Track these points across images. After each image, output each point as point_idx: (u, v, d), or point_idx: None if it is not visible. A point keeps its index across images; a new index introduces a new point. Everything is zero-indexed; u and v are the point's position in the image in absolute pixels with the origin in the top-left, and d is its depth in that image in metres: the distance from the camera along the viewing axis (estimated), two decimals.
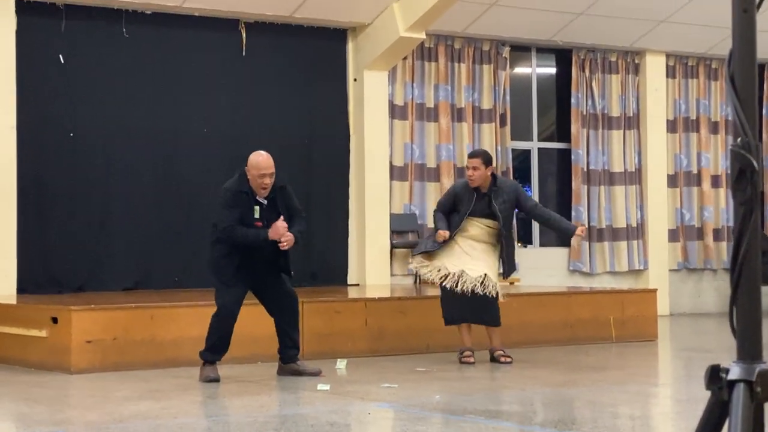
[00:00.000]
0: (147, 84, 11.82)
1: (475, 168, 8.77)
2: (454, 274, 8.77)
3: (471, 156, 9.07)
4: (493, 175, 8.94)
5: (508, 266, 8.97)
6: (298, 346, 8.11)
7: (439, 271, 8.87)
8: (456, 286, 8.71)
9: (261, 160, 7.66)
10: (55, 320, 8.65)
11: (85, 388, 7.65)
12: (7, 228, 10.81)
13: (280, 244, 7.63)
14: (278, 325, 8.05)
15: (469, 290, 8.69)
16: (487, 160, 8.88)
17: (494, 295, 8.77)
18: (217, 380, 7.78)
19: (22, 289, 10.82)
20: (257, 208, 7.71)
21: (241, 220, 7.68)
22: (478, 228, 8.90)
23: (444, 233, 8.79)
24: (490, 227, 8.89)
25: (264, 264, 7.82)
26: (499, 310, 8.90)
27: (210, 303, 9.17)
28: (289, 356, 8.08)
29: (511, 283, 11.13)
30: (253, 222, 7.69)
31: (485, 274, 8.75)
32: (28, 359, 8.84)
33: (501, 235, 8.89)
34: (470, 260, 8.77)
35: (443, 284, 8.79)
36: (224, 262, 7.79)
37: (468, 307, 8.81)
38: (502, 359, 8.93)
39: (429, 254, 8.97)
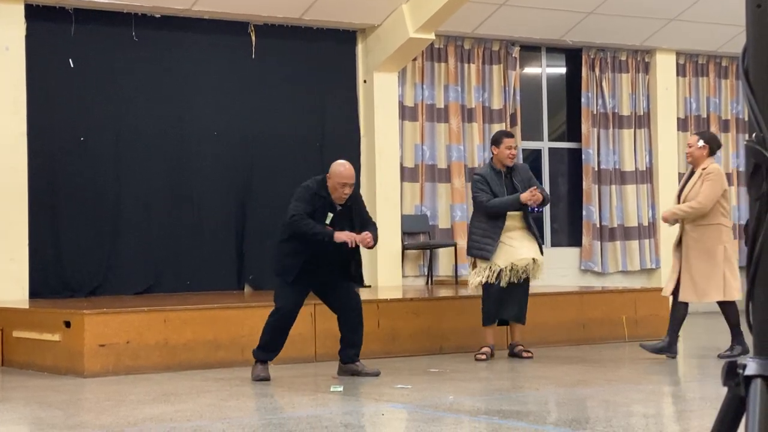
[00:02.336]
0: (157, 88, 11.84)
1: (516, 147, 9.17)
2: (506, 268, 8.94)
3: (510, 136, 9.35)
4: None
5: (541, 242, 9.24)
6: (359, 347, 8.14)
7: (490, 269, 8.94)
8: (507, 280, 8.90)
9: (344, 171, 7.82)
10: (68, 324, 8.67)
11: (98, 392, 7.66)
12: (19, 233, 10.84)
13: (365, 244, 7.82)
14: (341, 325, 8.10)
15: (520, 280, 8.93)
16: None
17: (524, 287, 8.98)
18: (267, 379, 7.85)
19: (34, 293, 10.85)
20: (331, 215, 7.81)
21: (312, 218, 7.76)
22: (510, 218, 9.07)
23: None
24: (516, 211, 9.07)
25: (330, 267, 7.89)
26: (526, 307, 9.11)
27: (223, 306, 9.21)
28: (348, 356, 8.13)
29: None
30: (324, 226, 7.78)
31: (533, 259, 8.98)
32: (42, 363, 8.86)
33: (527, 215, 9.08)
34: (514, 251, 8.90)
35: (491, 282, 8.90)
36: (290, 261, 7.83)
37: (503, 303, 8.94)
38: (525, 354, 9.16)
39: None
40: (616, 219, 14.48)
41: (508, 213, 9.05)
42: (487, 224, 9.09)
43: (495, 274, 8.96)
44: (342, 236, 7.70)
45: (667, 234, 14.68)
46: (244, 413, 6.74)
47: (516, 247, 8.99)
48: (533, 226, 9.20)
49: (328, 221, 7.81)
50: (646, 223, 14.68)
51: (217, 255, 11.94)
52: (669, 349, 8.99)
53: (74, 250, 11.26)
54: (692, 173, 9.01)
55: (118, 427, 5.95)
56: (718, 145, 9.08)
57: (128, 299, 10.53)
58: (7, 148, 10.80)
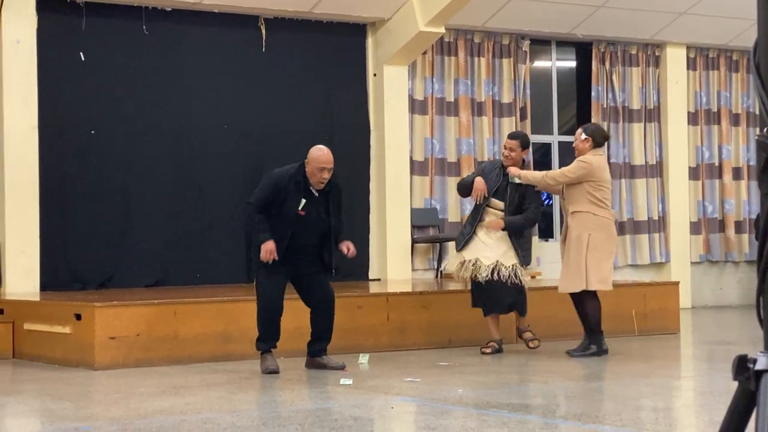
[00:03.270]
0: (167, 81, 11.85)
1: (512, 149, 9.07)
2: (470, 261, 8.98)
3: (510, 137, 9.37)
4: (523, 161, 9.23)
5: (522, 254, 9.11)
6: (327, 341, 8.16)
7: (459, 264, 9.06)
8: (473, 275, 8.96)
9: (321, 155, 7.86)
10: (78, 317, 8.70)
11: (108, 384, 7.69)
12: (30, 226, 10.86)
13: (345, 253, 8.00)
14: (312, 318, 8.13)
15: (483, 278, 8.91)
16: (524, 143, 9.20)
17: (517, 283, 8.95)
18: (276, 371, 7.88)
19: (45, 286, 10.88)
20: (304, 200, 7.82)
21: (281, 206, 7.81)
22: (491, 215, 9.13)
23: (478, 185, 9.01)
24: (500, 211, 9.12)
25: (306, 257, 7.96)
26: (526, 299, 9.15)
27: (232, 299, 9.22)
28: (315, 350, 8.15)
29: (533, 277, 11.11)
30: (296, 211, 7.82)
31: (497, 261, 8.98)
32: (52, 355, 8.89)
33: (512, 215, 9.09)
34: (485, 248, 8.97)
35: (462, 274, 9.01)
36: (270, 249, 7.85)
37: (495, 298, 8.99)
38: (531, 344, 9.17)
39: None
40: (625, 213, 14.46)
41: (489, 209, 9.09)
42: (471, 216, 9.34)
43: (458, 264, 9.08)
44: (264, 251, 7.73)
45: (677, 228, 14.68)
46: (254, 406, 6.76)
47: (488, 246, 9.03)
48: (524, 237, 9.18)
49: (300, 207, 7.84)
50: (656, 217, 14.66)
51: (227, 248, 11.95)
52: (599, 350, 8.85)
53: (85, 243, 11.29)
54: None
55: (128, 420, 5.97)
56: (604, 137, 9.02)
57: (138, 292, 10.55)
58: (18, 141, 10.82)
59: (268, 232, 7.83)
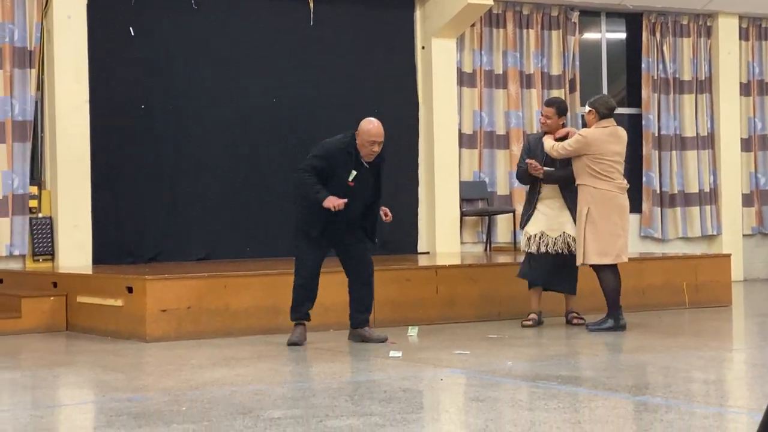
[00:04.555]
0: (216, 55, 11.89)
1: (547, 117, 9.11)
2: (535, 236, 9.03)
3: (547, 104, 9.38)
4: (564, 126, 9.23)
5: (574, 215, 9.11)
6: (368, 311, 8.17)
7: (525, 236, 9.07)
8: (538, 248, 8.99)
9: (372, 128, 7.87)
10: (130, 290, 8.79)
11: (160, 356, 7.77)
12: (82, 201, 10.98)
13: (384, 219, 8.04)
14: (351, 289, 8.15)
15: (551, 251, 8.97)
16: (561, 110, 9.20)
17: (572, 259, 8.98)
18: (298, 344, 7.93)
19: (97, 260, 11.00)
20: (354, 172, 7.83)
21: (332, 177, 7.82)
22: (547, 187, 9.14)
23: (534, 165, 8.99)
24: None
25: (348, 227, 7.97)
26: (576, 278, 9.15)
27: (282, 272, 9.26)
28: (358, 321, 8.16)
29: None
30: (345, 182, 7.83)
31: (563, 233, 9.02)
32: (105, 328, 8.99)
33: (565, 186, 9.07)
34: (547, 220, 8.97)
35: (528, 249, 9.06)
36: (311, 219, 7.89)
37: (548, 273, 8.98)
38: (575, 321, 9.21)
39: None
40: (676, 185, 14.32)
41: (544, 184, 9.09)
42: (529, 193, 9.34)
43: (524, 240, 9.10)
44: (328, 203, 7.74)
45: (729, 200, 14.52)
46: (304, 378, 6.80)
47: (550, 217, 9.06)
48: (569, 201, 9.13)
49: (351, 178, 7.85)
50: (707, 189, 14.50)
51: (276, 222, 11.99)
52: (617, 326, 8.79)
53: (136, 218, 11.39)
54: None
55: (179, 391, 6.03)
56: (609, 108, 8.89)
57: (188, 266, 10.63)
58: (69, 116, 10.93)
59: (323, 189, 7.80)
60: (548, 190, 9.11)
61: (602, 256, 8.73)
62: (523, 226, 9.21)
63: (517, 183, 13.14)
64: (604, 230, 8.71)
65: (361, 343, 8.08)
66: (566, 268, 9.05)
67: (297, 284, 8.04)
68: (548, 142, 8.95)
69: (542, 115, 9.21)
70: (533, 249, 9.03)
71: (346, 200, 7.76)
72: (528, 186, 9.35)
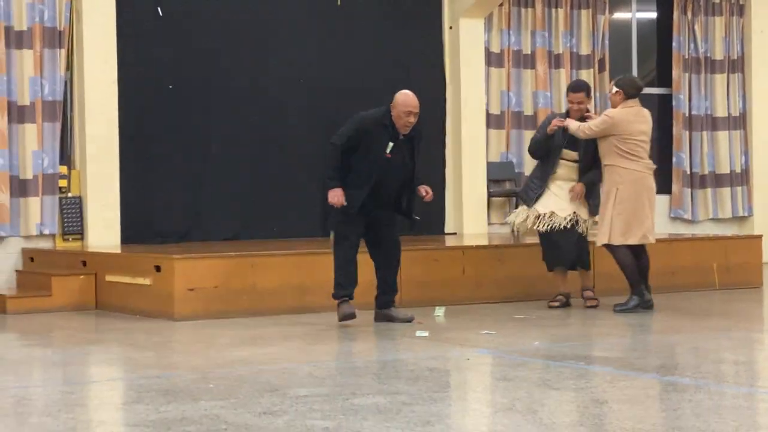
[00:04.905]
0: (244, 35, 11.88)
1: (580, 102, 9.05)
2: (545, 215, 8.96)
3: (575, 90, 9.20)
4: (587, 109, 9.21)
5: (594, 203, 9.05)
6: (394, 292, 8.15)
7: (527, 217, 9.02)
8: (548, 228, 8.93)
9: (408, 99, 7.89)
10: (158, 269, 8.82)
11: (188, 335, 7.80)
12: (110, 180, 11.02)
13: (424, 197, 8.07)
14: (378, 269, 8.14)
15: (562, 228, 8.90)
16: (589, 93, 9.22)
17: (586, 236, 8.98)
18: (353, 316, 7.88)
19: (126, 239, 11.04)
20: (391, 144, 7.82)
21: (368, 150, 7.80)
22: (564, 167, 9.08)
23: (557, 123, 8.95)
24: (574, 162, 9.05)
25: (385, 206, 7.97)
26: (587, 254, 9.13)
27: (310, 251, 9.27)
28: (383, 301, 8.15)
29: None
30: (382, 155, 7.82)
31: (574, 213, 8.96)
32: (134, 306, 9.04)
33: (586, 168, 8.99)
34: (558, 200, 8.93)
35: (537, 227, 9.00)
36: (353, 193, 7.86)
37: (566, 251, 8.96)
38: (588, 303, 9.14)
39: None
40: (707, 166, 14.22)
41: (562, 163, 9.04)
42: (540, 170, 9.19)
43: (533, 219, 9.02)
44: (331, 196, 7.78)
45: (761, 181, 14.40)
46: (330, 356, 6.81)
47: (561, 198, 9.00)
48: (594, 186, 9.09)
49: (388, 150, 7.83)
50: (738, 170, 14.39)
51: (304, 202, 11.98)
52: (642, 302, 8.73)
53: (164, 197, 11.42)
54: None
55: (208, 369, 6.06)
56: (636, 89, 8.80)
57: (216, 245, 10.66)
58: (98, 96, 10.96)
59: (338, 180, 7.82)
60: (565, 170, 9.04)
61: (627, 237, 8.67)
62: (529, 203, 9.10)
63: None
64: (631, 211, 8.64)
65: (388, 323, 8.07)
66: (578, 244, 8.98)
67: (339, 263, 7.98)
68: (573, 124, 8.87)
69: (572, 102, 9.03)
70: (542, 228, 8.96)
71: (345, 203, 7.76)
72: (537, 162, 9.26)
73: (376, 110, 7.98)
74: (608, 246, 8.72)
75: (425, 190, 8.08)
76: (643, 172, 8.74)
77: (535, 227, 9.05)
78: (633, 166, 8.67)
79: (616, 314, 8.60)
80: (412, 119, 7.87)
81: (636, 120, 8.76)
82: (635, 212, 8.66)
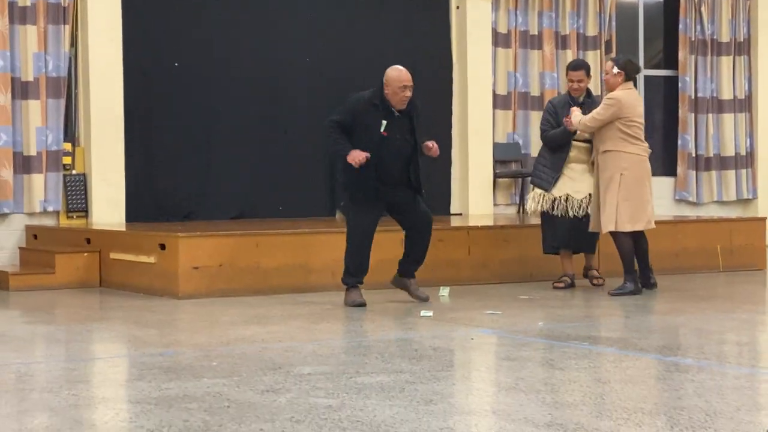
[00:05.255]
0: (250, 14, 11.84)
1: (580, 81, 9.04)
2: (560, 198, 8.99)
3: (575, 69, 9.19)
4: (587, 88, 9.18)
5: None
6: (419, 263, 8.12)
7: (542, 199, 9.01)
8: (564, 212, 8.94)
9: (400, 74, 7.84)
10: (163, 247, 8.82)
11: (192, 313, 7.81)
12: (115, 158, 11.01)
13: (429, 152, 7.91)
14: (409, 241, 8.08)
15: (578, 214, 8.92)
16: (589, 71, 9.19)
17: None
18: (363, 304, 7.87)
19: (131, 217, 11.05)
20: (384, 122, 7.76)
21: (363, 131, 7.78)
22: (575, 149, 9.08)
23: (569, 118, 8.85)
24: (584, 143, 9.03)
25: (397, 185, 7.91)
26: (597, 237, 9.10)
27: (314, 231, 9.27)
28: (406, 269, 8.12)
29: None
30: (378, 134, 7.77)
31: (589, 194, 8.94)
32: (138, 284, 9.04)
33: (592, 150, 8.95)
34: (572, 183, 8.91)
35: (547, 210, 8.92)
36: (357, 180, 7.83)
37: (569, 234, 8.96)
38: (595, 282, 9.22)
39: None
40: (712, 148, 14.18)
41: (574, 144, 9.03)
42: (551, 154, 9.13)
43: (549, 203, 9.01)
44: (351, 157, 7.69)
45: (766, 164, 14.36)
46: (334, 336, 6.82)
47: (575, 180, 9.01)
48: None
49: (382, 129, 7.78)
50: (743, 153, 14.35)
51: (309, 182, 11.99)
52: (636, 287, 8.60)
53: (169, 176, 11.41)
54: None
55: (211, 347, 6.06)
56: (636, 70, 8.68)
57: (221, 224, 10.66)
58: (103, 73, 10.94)
59: (348, 144, 7.77)
60: (576, 152, 9.04)
61: (635, 223, 8.55)
62: (547, 187, 9.07)
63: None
64: (637, 196, 8.54)
65: (399, 298, 8.01)
66: (584, 229, 8.95)
67: (350, 249, 7.94)
68: (575, 119, 8.71)
69: (573, 81, 9.03)
70: (558, 212, 8.94)
71: (368, 154, 7.70)
72: (551, 148, 9.18)
73: (365, 92, 7.95)
74: (614, 232, 8.61)
75: (431, 144, 7.94)
76: (644, 156, 8.65)
77: (552, 210, 8.98)
78: (636, 150, 8.56)
79: (611, 297, 8.53)
80: (408, 93, 7.81)
81: (637, 102, 8.69)
82: (641, 198, 8.57)
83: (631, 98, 8.60)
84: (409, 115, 7.91)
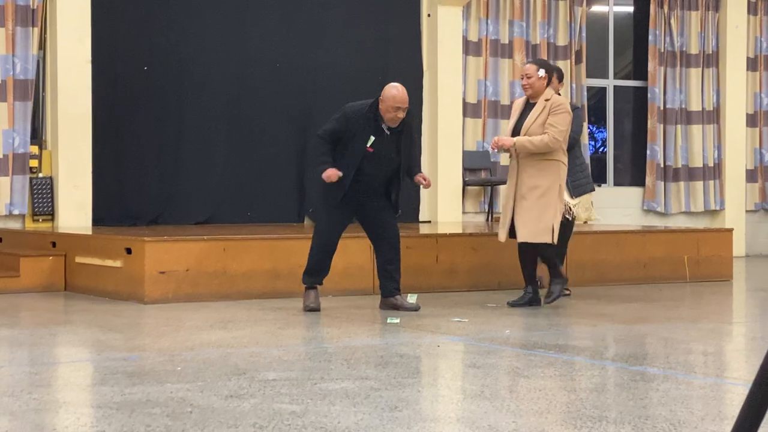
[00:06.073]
0: (221, 19, 11.82)
1: (528, 76, 8.15)
2: (574, 206, 8.82)
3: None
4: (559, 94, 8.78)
5: (572, 187, 8.83)
6: (398, 279, 8.08)
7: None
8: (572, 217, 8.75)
9: (397, 94, 7.73)
10: (129, 251, 8.76)
11: (157, 317, 7.75)
12: (83, 161, 10.94)
13: (423, 185, 7.93)
14: (378, 256, 8.07)
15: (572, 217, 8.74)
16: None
17: (564, 229, 8.77)
18: (316, 309, 7.87)
19: (97, 221, 10.98)
20: (373, 138, 7.73)
21: (352, 141, 7.74)
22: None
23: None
24: None
25: (372, 195, 7.88)
26: (565, 246, 8.95)
27: (281, 236, 9.24)
28: (388, 289, 8.08)
29: (585, 222, 11.02)
30: (363, 148, 7.73)
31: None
32: (104, 288, 8.98)
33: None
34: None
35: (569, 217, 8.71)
36: (334, 186, 7.80)
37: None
38: (564, 292, 9.06)
39: None
40: (680, 159, 14.27)
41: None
42: (572, 158, 8.95)
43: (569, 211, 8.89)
44: (325, 175, 7.69)
45: (733, 175, 14.46)
46: (300, 341, 6.78)
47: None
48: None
49: (369, 144, 7.75)
50: (711, 164, 14.45)
51: (278, 187, 11.96)
52: (537, 299, 8.30)
53: (137, 179, 11.35)
54: (528, 105, 8.23)
55: (175, 351, 6.01)
56: (560, 75, 8.32)
57: (189, 228, 10.61)
58: (72, 76, 10.87)
59: (329, 161, 7.74)
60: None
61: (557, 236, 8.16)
62: (593, 188, 8.99)
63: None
64: (561, 209, 8.18)
65: (389, 310, 7.98)
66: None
67: (314, 250, 7.94)
68: (531, 142, 7.98)
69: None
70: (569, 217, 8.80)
71: (340, 173, 7.69)
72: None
73: (363, 102, 7.86)
74: (546, 244, 8.10)
75: (423, 178, 7.94)
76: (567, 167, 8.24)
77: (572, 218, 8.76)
78: (567, 161, 8.18)
79: (511, 308, 8.23)
80: (401, 114, 7.75)
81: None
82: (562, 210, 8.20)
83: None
84: (399, 134, 7.86)
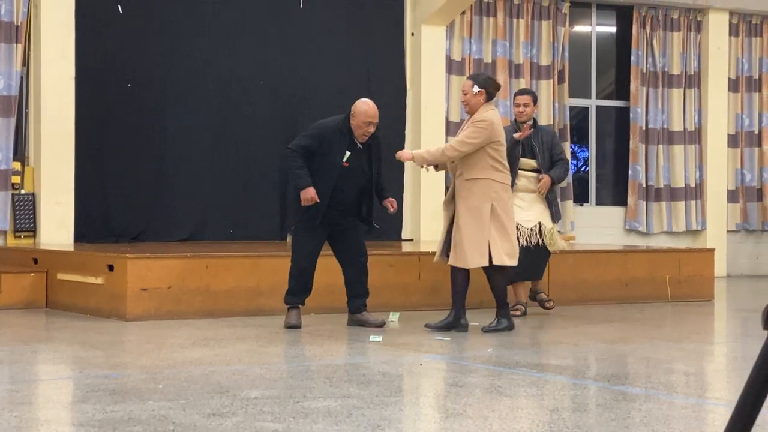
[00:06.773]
0: (204, 35, 11.83)
1: (525, 105, 9.00)
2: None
3: (522, 93, 9.25)
4: (534, 118, 9.20)
5: (555, 210, 9.08)
6: (365, 296, 8.14)
7: None
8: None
9: (368, 109, 7.83)
10: (111, 268, 8.74)
11: (139, 335, 7.73)
12: (65, 178, 10.92)
13: (389, 210, 8.01)
14: (346, 274, 8.13)
15: (530, 243, 8.86)
16: (535, 98, 9.22)
17: (544, 248, 8.93)
18: (297, 327, 7.90)
19: (79, 237, 10.94)
20: (348, 153, 7.78)
21: (324, 157, 7.79)
22: (523, 179, 9.01)
23: None
24: (531, 172, 9.00)
25: (345, 212, 7.93)
26: (545, 264, 9.14)
27: (264, 254, 9.23)
28: (355, 306, 8.12)
29: (567, 241, 11.05)
30: (339, 163, 7.78)
31: (539, 223, 8.95)
32: (85, 305, 8.94)
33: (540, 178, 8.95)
34: (522, 212, 8.86)
35: None
36: (312, 207, 7.82)
37: (522, 262, 8.88)
38: (547, 305, 9.24)
39: None
40: (662, 179, 14.33)
41: (521, 174, 8.96)
42: None
43: None
44: (304, 197, 7.71)
45: (714, 195, 14.53)
46: (283, 359, 6.77)
47: (524, 209, 8.92)
48: (553, 192, 9.09)
49: (344, 159, 7.80)
50: (693, 184, 14.52)
51: (261, 205, 11.96)
52: (455, 324, 7.94)
53: (119, 196, 11.33)
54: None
55: (157, 369, 6.00)
56: (496, 88, 7.95)
57: (171, 245, 10.58)
58: (55, 92, 10.86)
59: (308, 177, 7.77)
60: (525, 182, 8.98)
61: (512, 258, 7.82)
62: None
63: None
64: (509, 229, 7.79)
65: (355, 326, 8.03)
66: (537, 257, 8.95)
67: (295, 271, 7.98)
68: (428, 152, 7.97)
69: (518, 105, 9.01)
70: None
71: (318, 200, 7.72)
72: None
73: (334, 118, 7.96)
74: (492, 267, 7.79)
75: (390, 204, 8.02)
76: (508, 185, 7.93)
77: None
78: (503, 179, 7.81)
79: (484, 334, 7.88)
80: (371, 129, 7.85)
81: (501, 124, 7.96)
82: (512, 230, 7.91)
83: (498, 119, 7.88)
84: (369, 148, 7.93)
